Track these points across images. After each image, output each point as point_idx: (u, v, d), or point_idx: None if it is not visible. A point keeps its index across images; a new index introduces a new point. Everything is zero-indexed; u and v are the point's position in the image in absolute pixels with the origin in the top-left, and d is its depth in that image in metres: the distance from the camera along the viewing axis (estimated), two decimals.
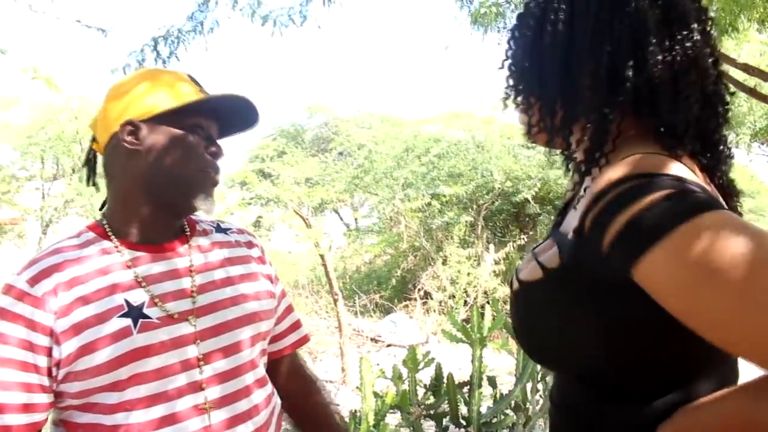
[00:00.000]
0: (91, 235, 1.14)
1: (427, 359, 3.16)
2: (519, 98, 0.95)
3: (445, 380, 3.10)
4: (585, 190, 0.83)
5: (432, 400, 3.15)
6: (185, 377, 1.08)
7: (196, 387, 1.08)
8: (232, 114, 1.21)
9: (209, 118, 1.17)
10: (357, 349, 8.68)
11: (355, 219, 16.29)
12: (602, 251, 0.75)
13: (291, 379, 1.36)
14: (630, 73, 0.82)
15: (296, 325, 1.39)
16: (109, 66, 4.05)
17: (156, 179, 1.12)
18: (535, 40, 0.91)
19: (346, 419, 2.91)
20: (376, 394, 2.93)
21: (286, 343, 1.36)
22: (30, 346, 1.01)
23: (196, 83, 1.20)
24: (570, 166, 1.04)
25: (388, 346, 9.15)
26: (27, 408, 1.02)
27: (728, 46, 7.69)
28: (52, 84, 3.97)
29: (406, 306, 10.68)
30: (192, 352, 1.09)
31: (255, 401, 1.15)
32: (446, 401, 3.09)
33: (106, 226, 1.15)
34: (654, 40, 0.82)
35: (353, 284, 12.03)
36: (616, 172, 0.78)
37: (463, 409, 3.15)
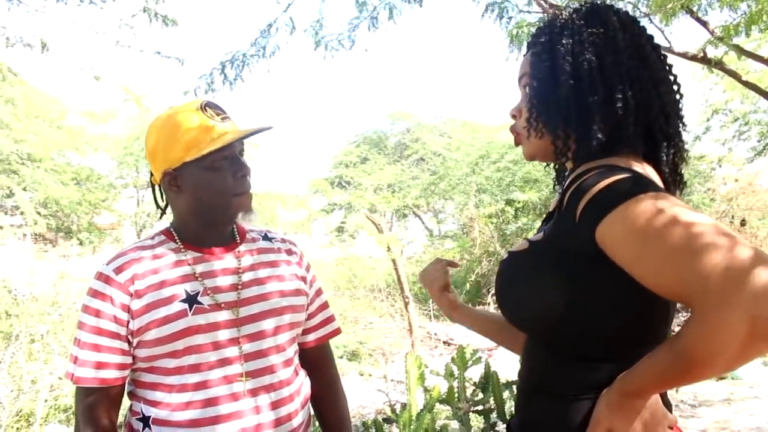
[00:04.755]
0: (163, 237, 1.46)
1: (474, 358, 3.34)
2: (544, 123, 1.15)
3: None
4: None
5: (480, 396, 3.32)
6: (226, 353, 1.37)
7: (234, 361, 1.37)
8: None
9: (232, 143, 1.38)
10: (429, 351, 8.85)
11: (438, 225, 16.44)
12: (575, 220, 1.00)
13: (315, 368, 1.60)
14: (607, 112, 1.08)
15: (326, 322, 1.63)
16: (183, 88, 4.43)
17: (199, 209, 1.42)
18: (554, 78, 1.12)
19: (398, 412, 3.14)
20: (425, 389, 3.15)
21: (314, 336, 1.61)
22: (115, 319, 1.35)
23: (217, 110, 1.41)
24: (558, 178, 1.31)
25: None
26: (118, 366, 1.36)
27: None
28: (140, 104, 4.44)
29: None
30: (233, 333, 1.38)
31: (280, 377, 1.43)
32: (493, 398, 3.25)
33: (173, 231, 1.46)
34: (621, 89, 1.08)
35: None
36: (587, 166, 1.06)
37: (512, 407, 3.30)
